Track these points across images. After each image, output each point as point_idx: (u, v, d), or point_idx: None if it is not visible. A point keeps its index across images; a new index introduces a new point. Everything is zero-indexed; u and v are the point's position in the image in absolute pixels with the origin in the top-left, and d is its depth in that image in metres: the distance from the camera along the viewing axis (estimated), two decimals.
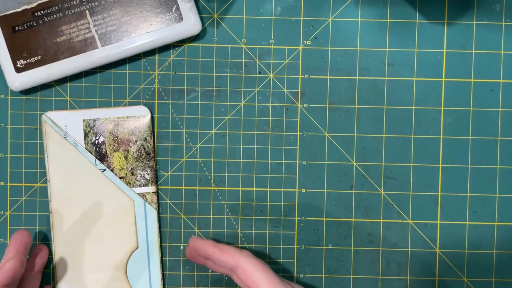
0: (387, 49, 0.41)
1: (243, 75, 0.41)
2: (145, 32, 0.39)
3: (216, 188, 0.41)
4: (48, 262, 0.41)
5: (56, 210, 0.40)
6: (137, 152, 0.41)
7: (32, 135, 0.41)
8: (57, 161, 0.40)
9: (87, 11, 0.39)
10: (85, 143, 0.40)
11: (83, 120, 0.40)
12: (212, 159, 0.41)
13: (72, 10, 0.39)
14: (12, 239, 0.38)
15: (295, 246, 0.42)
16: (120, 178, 0.41)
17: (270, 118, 0.41)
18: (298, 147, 0.41)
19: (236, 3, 0.41)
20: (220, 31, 0.41)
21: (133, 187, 0.41)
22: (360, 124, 0.41)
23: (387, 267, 0.42)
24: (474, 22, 0.41)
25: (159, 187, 0.41)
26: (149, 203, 0.41)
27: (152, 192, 0.41)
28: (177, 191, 0.41)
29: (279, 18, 0.41)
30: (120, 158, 0.40)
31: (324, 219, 0.42)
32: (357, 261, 0.42)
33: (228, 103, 0.41)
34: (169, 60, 0.41)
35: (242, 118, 0.41)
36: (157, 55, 0.41)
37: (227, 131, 0.41)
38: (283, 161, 0.41)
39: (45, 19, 0.39)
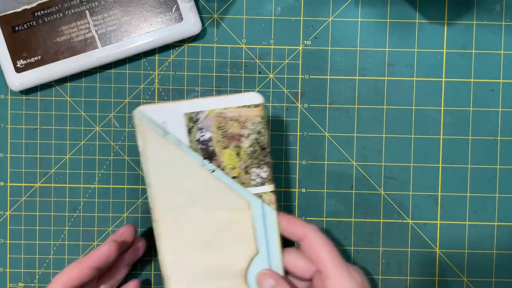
0: (387, 49, 0.41)
1: (243, 75, 0.41)
2: (145, 32, 0.39)
3: None
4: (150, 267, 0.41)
5: (161, 219, 0.35)
6: (251, 147, 0.36)
7: (32, 135, 0.41)
8: (157, 164, 0.35)
9: (87, 11, 0.39)
10: (188, 141, 0.35)
11: (184, 114, 0.35)
12: None
13: (72, 10, 0.39)
14: (118, 231, 0.38)
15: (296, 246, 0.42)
16: (233, 178, 0.36)
17: (270, 118, 0.41)
18: (298, 147, 0.41)
19: (236, 3, 0.41)
20: (220, 31, 0.41)
21: (248, 187, 0.36)
22: (360, 124, 0.41)
23: (387, 267, 0.42)
24: (474, 22, 0.41)
25: None
26: (267, 204, 0.36)
27: (270, 192, 0.36)
28: None
29: (279, 18, 0.41)
30: (231, 155, 0.35)
31: (324, 219, 0.42)
32: (357, 261, 0.42)
33: None
34: (169, 60, 0.41)
35: None
36: (157, 55, 0.41)
37: None
38: (283, 161, 0.41)
39: (45, 19, 0.39)
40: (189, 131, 0.35)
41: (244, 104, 0.35)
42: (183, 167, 0.35)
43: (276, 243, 0.36)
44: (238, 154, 0.35)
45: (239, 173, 0.36)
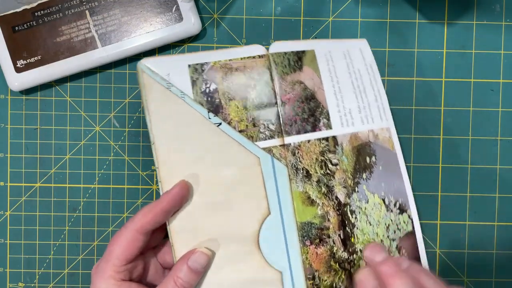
0: (387, 49, 0.41)
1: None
2: (145, 32, 0.39)
3: None
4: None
5: (165, 178, 0.33)
6: (258, 98, 0.33)
7: (32, 135, 0.41)
8: (161, 119, 0.33)
9: (87, 11, 0.39)
10: (193, 93, 0.33)
11: (189, 66, 0.34)
12: None
13: (72, 10, 0.39)
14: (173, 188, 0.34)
15: None
16: (240, 131, 0.33)
17: None
18: None
19: (236, 3, 0.41)
20: (220, 31, 0.41)
21: (256, 141, 0.33)
22: None
23: None
24: (474, 22, 0.41)
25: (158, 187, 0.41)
26: (277, 159, 0.33)
27: (280, 146, 0.33)
28: None
29: (279, 18, 0.41)
30: (237, 107, 0.33)
31: None
32: None
33: None
34: None
35: None
36: (157, 55, 0.41)
37: None
38: None
39: (45, 19, 0.39)
40: (194, 82, 0.33)
41: (249, 55, 0.34)
42: (188, 120, 0.33)
43: (289, 202, 0.33)
44: (245, 106, 0.33)
45: (247, 126, 0.33)
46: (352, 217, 0.35)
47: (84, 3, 0.39)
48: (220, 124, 0.33)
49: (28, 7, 0.39)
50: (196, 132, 0.33)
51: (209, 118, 0.33)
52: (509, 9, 0.41)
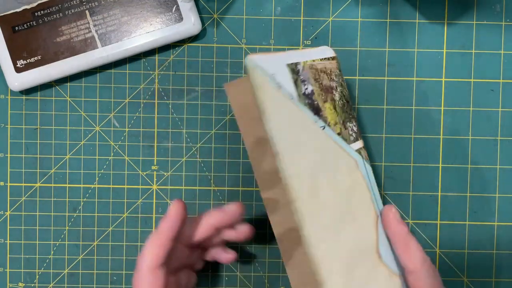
0: (387, 49, 0.41)
1: (243, 75, 0.41)
2: (145, 32, 0.39)
3: (216, 188, 0.41)
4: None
5: (299, 197, 0.28)
6: (341, 100, 0.32)
7: (32, 135, 0.41)
8: (281, 125, 0.28)
9: (87, 11, 0.39)
10: (297, 95, 0.30)
11: (287, 65, 0.30)
12: (212, 159, 0.41)
13: (72, 10, 0.39)
14: (229, 207, 0.35)
15: None
16: (338, 134, 0.31)
17: None
18: None
19: (236, 3, 0.41)
20: (220, 31, 0.41)
21: (349, 144, 0.31)
22: (360, 124, 0.41)
23: None
24: (474, 22, 0.41)
25: (158, 187, 0.41)
26: (366, 160, 0.32)
27: (363, 147, 0.32)
28: (177, 191, 0.41)
29: (279, 18, 0.41)
30: (330, 109, 0.31)
31: None
32: None
33: (228, 103, 0.41)
34: (169, 60, 0.41)
35: None
36: (157, 55, 0.41)
37: (227, 131, 0.41)
38: None
39: (45, 19, 0.39)
40: (295, 83, 0.30)
41: (324, 56, 0.32)
42: (302, 125, 0.29)
43: (380, 200, 0.32)
44: (334, 108, 0.31)
45: (341, 129, 0.31)
46: None
47: (84, 3, 0.39)
48: (324, 127, 0.30)
49: (28, 7, 0.39)
50: (311, 137, 0.30)
51: (315, 121, 0.30)
52: (509, 9, 0.41)
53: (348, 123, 0.32)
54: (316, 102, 0.30)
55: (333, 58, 0.33)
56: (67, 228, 0.42)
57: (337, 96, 0.32)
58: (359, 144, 0.32)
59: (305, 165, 0.29)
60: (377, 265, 0.30)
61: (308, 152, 0.29)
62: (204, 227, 0.35)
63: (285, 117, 0.29)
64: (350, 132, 0.32)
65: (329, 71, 0.32)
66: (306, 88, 0.30)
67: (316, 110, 0.30)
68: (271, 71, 0.29)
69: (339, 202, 0.29)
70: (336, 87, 0.32)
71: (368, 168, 0.32)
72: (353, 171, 0.31)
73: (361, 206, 0.30)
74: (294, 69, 0.30)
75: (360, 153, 0.32)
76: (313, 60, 0.31)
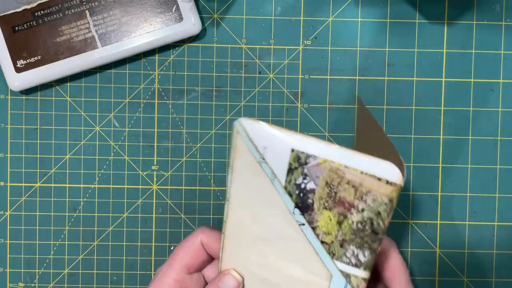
0: (387, 49, 0.41)
1: (243, 75, 0.41)
2: (145, 32, 0.39)
3: (216, 188, 0.41)
4: None
5: (228, 236, 0.31)
6: (360, 224, 0.28)
7: (32, 135, 0.41)
8: (243, 185, 0.29)
9: (87, 11, 0.39)
10: (285, 181, 0.28)
11: (292, 150, 0.28)
12: (212, 159, 0.41)
13: (72, 10, 0.39)
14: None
15: None
16: (322, 242, 0.29)
17: (270, 118, 0.41)
18: None
19: (236, 3, 0.41)
20: (220, 31, 0.41)
21: (336, 260, 0.29)
22: None
23: None
24: (474, 22, 0.41)
25: (158, 187, 0.41)
26: (352, 287, 0.29)
27: (362, 278, 0.29)
28: (177, 191, 0.41)
29: (279, 18, 0.41)
30: (330, 220, 0.28)
31: None
32: None
33: (228, 103, 0.41)
34: (169, 60, 0.41)
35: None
36: (157, 55, 0.41)
37: (227, 131, 0.41)
38: None
39: (45, 19, 0.39)
40: (290, 171, 0.28)
41: (375, 173, 0.27)
42: (270, 203, 0.29)
43: None
44: (340, 223, 0.28)
45: (333, 242, 0.29)
46: None
47: (84, 3, 0.39)
48: (303, 225, 0.29)
49: (28, 7, 0.39)
50: (274, 217, 0.29)
51: (294, 213, 0.29)
52: (509, 9, 0.41)
53: (352, 247, 0.29)
54: (310, 201, 0.28)
55: (389, 183, 0.27)
56: (67, 228, 0.42)
57: (355, 217, 0.28)
58: (357, 272, 0.29)
59: (251, 227, 0.30)
60: None
61: (264, 222, 0.29)
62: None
63: (252, 185, 0.29)
64: (348, 255, 0.29)
65: (364, 190, 0.27)
66: (305, 183, 0.28)
67: (305, 207, 0.28)
68: (263, 144, 0.28)
69: (272, 273, 0.30)
70: (362, 210, 0.28)
71: None
72: (318, 277, 0.30)
73: None
74: (301, 158, 0.28)
75: (348, 276, 0.29)
76: (346, 166, 0.27)
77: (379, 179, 0.27)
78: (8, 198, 0.41)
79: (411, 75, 0.41)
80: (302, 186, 0.28)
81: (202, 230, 0.33)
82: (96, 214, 0.42)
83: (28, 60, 0.39)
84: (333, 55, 0.41)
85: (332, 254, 0.29)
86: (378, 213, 0.28)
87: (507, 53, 0.41)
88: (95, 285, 0.42)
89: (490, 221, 0.42)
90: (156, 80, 0.41)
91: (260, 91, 0.41)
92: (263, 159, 0.28)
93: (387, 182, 0.27)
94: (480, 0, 0.41)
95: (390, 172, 0.27)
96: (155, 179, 0.41)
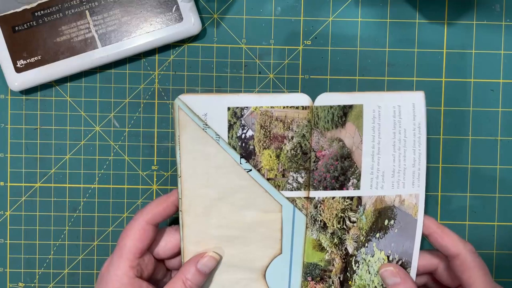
0: (387, 49, 0.41)
1: (243, 75, 0.41)
2: (145, 32, 0.39)
3: None
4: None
5: (188, 210, 0.35)
6: (292, 151, 0.34)
7: (32, 135, 0.41)
8: (192, 156, 0.34)
9: (87, 11, 0.39)
10: (228, 137, 0.34)
11: (228, 109, 0.34)
12: None
13: (72, 10, 0.39)
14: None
15: None
16: (268, 179, 0.35)
17: None
18: None
19: (236, 3, 0.41)
20: (220, 31, 0.41)
21: (282, 190, 0.35)
22: None
23: None
24: (474, 22, 0.41)
25: (158, 187, 0.41)
26: (299, 209, 0.35)
27: (304, 198, 0.35)
28: None
29: (279, 18, 0.41)
30: (270, 157, 0.34)
31: None
32: None
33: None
34: (169, 60, 0.41)
35: None
36: (157, 55, 0.41)
37: None
38: None
39: (45, 19, 0.39)
40: (231, 126, 0.34)
41: (292, 104, 0.34)
42: (219, 162, 0.34)
43: (301, 246, 0.36)
44: (278, 156, 0.34)
45: (276, 175, 0.34)
46: (355, 266, 0.36)
47: (84, 3, 0.39)
48: (251, 170, 0.34)
49: (28, 7, 0.39)
50: (225, 174, 0.34)
51: (240, 163, 0.34)
52: (509, 9, 0.41)
53: (291, 173, 0.34)
54: (252, 147, 0.34)
55: (304, 108, 0.34)
56: (67, 228, 0.42)
57: (288, 146, 0.34)
58: (300, 194, 0.35)
59: (206, 192, 0.34)
60: (257, 280, 0.36)
61: (216, 183, 0.34)
62: (170, 207, 0.35)
63: (199, 152, 0.34)
64: (290, 181, 0.34)
65: (289, 120, 0.34)
66: (245, 133, 0.34)
67: (249, 154, 0.34)
68: (203, 112, 0.34)
69: (232, 226, 0.35)
70: (292, 138, 0.34)
71: (298, 216, 0.35)
72: (271, 212, 0.35)
73: (261, 239, 0.35)
74: (236, 113, 0.34)
75: (294, 201, 0.35)
76: (272, 107, 0.34)
77: (297, 108, 0.34)
78: (8, 198, 0.41)
79: (411, 75, 0.41)
80: (243, 136, 0.34)
81: (141, 213, 0.35)
82: (96, 214, 0.42)
83: (28, 60, 0.39)
84: (333, 55, 0.41)
85: (278, 187, 0.35)
86: (303, 136, 0.34)
87: (507, 53, 0.41)
88: (95, 285, 0.42)
89: (490, 221, 0.42)
90: (156, 80, 0.41)
91: (260, 91, 0.41)
92: (206, 124, 0.34)
93: (303, 107, 0.34)
94: (480, 0, 0.41)
95: (302, 99, 0.34)
96: (155, 179, 0.41)
